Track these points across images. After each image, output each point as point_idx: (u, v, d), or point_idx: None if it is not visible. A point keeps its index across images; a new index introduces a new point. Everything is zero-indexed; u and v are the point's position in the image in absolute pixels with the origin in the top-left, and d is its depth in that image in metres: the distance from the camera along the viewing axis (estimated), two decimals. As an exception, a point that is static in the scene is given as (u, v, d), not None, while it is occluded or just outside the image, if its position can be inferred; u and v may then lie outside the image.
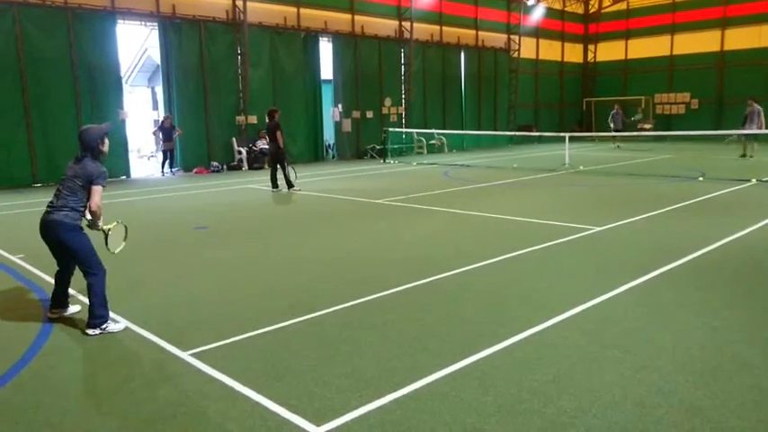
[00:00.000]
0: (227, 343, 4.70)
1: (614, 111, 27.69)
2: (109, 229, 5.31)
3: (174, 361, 4.39)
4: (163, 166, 19.01)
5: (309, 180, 14.39)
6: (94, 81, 17.30)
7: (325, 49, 23.47)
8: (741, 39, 30.46)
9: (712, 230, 8.42)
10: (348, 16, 23.84)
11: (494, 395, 3.72)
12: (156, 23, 19.00)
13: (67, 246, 5.06)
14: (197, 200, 13.22)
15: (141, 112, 26.99)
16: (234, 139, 20.37)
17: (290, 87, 21.93)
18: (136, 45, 25.96)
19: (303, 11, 22.25)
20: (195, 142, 19.65)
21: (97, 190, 5.06)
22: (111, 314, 5.16)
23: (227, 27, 20.25)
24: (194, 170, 19.29)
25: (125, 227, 5.58)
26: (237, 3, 20.21)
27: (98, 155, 5.17)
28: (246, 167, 20.09)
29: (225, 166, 19.92)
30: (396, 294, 5.86)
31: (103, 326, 5.01)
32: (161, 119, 20.05)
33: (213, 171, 19.45)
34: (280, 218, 10.87)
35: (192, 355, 4.46)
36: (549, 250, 7.61)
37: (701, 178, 14.44)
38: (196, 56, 19.47)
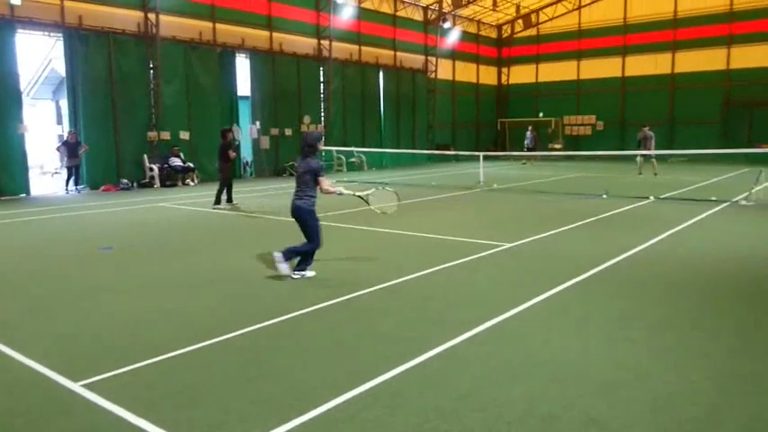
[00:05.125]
0: (127, 371, 4.41)
1: (528, 132, 29.08)
2: (367, 195, 7.64)
3: (65, 393, 4.07)
4: (67, 184, 17.99)
5: (224, 198, 14.02)
6: (-10, 93, 16.22)
7: (243, 65, 23.13)
8: (639, 66, 32.62)
9: (615, 245, 8.83)
10: (266, 33, 23.65)
11: (402, 415, 3.67)
12: (60, 34, 18.08)
13: (303, 222, 7.07)
14: (103, 219, 12.57)
15: (45, 126, 25.53)
16: (145, 156, 19.59)
17: (206, 103, 21.42)
18: (39, 56, 24.61)
19: (219, 26, 21.87)
20: (103, 159, 18.75)
21: (323, 179, 6.98)
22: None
23: (138, 40, 19.56)
24: (102, 188, 18.38)
25: (396, 193, 7.80)
26: (149, 16, 19.58)
27: (316, 151, 6.96)
28: (159, 185, 19.35)
29: (135, 184, 19.11)
30: (312, 313, 5.74)
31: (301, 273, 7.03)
32: (65, 134, 19.01)
33: (122, 189, 18.60)
34: (190, 237, 10.48)
35: (85, 386, 4.15)
36: (463, 267, 7.72)
37: (604, 196, 15.19)
38: (104, 69, 18.65)
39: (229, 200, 14.15)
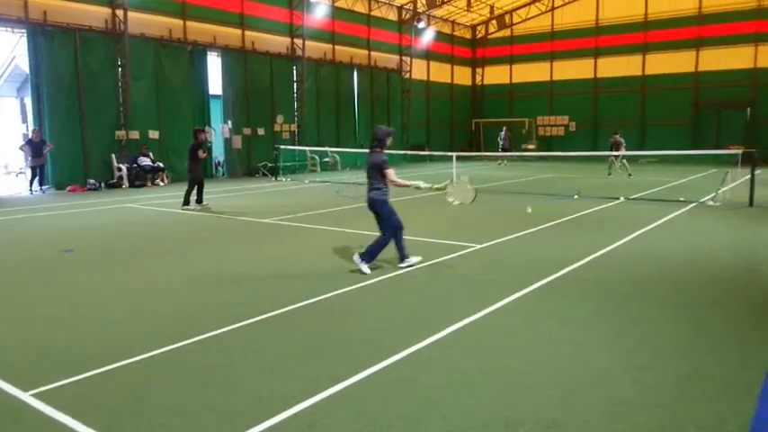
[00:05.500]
0: (82, 378, 4.26)
1: (503, 132, 29.25)
2: (445, 186, 7.97)
3: (15, 403, 3.90)
4: (31, 184, 17.54)
5: (193, 198, 13.80)
6: (-50, 90, 15.73)
7: (214, 63, 22.82)
8: (611, 68, 33.02)
9: (584, 246, 8.86)
10: (238, 31, 23.37)
11: (363, 422, 3.59)
12: (24, 30, 17.62)
13: (377, 213, 7.45)
14: (67, 220, 12.26)
15: (9, 124, 24.86)
16: (113, 156, 19.19)
17: (177, 102, 21.09)
18: (2, 53, 23.96)
19: (190, 24, 21.55)
20: (69, 158, 18.33)
21: (388, 172, 7.21)
22: None
23: (106, 37, 19.16)
24: (68, 188, 17.96)
25: (474, 189, 8.14)
26: (117, 12, 19.19)
27: (383, 146, 7.23)
28: (127, 185, 18.98)
29: (103, 184, 18.71)
30: (275, 317, 5.62)
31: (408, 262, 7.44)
32: (30, 132, 18.52)
33: (90, 189, 18.20)
34: (155, 239, 10.26)
35: (35, 395, 3.99)
36: (432, 268, 7.66)
37: (576, 196, 15.30)
38: (70, 66, 18.23)
39: (199, 201, 13.92)
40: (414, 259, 7.56)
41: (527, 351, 4.77)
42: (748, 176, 13.88)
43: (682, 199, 14.45)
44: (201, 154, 13.78)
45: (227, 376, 4.30)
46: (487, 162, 30.89)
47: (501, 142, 28.95)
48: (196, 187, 13.83)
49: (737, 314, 5.76)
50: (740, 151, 15.85)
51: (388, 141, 7.37)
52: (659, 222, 11.15)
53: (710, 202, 13.82)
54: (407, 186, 7.63)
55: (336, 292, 6.44)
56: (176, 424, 3.59)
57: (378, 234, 7.58)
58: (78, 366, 4.45)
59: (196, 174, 13.84)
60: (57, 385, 4.14)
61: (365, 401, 3.87)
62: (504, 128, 30.19)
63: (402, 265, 7.41)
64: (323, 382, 4.14)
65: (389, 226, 7.40)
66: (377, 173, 7.29)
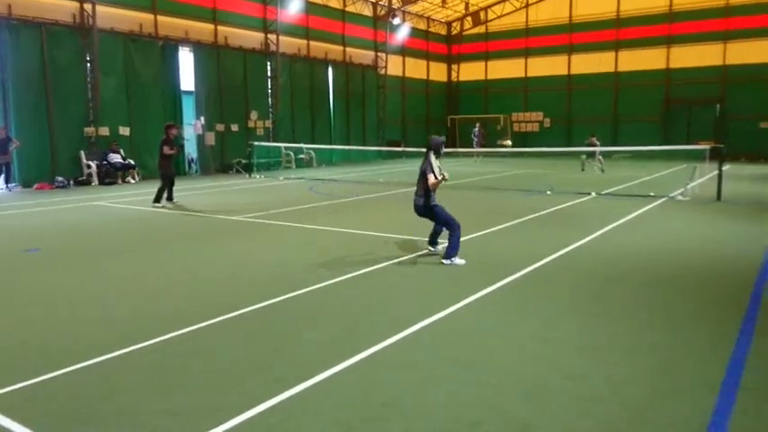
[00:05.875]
0: (35, 383, 4.13)
1: (476, 128, 29.37)
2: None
3: (-39, 410, 3.77)
4: (-3, 182, 17.12)
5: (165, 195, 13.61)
6: None
7: (186, 59, 22.50)
8: (584, 64, 33.31)
9: (555, 241, 8.90)
10: (210, 26, 23.07)
11: (323, 424, 3.53)
12: (-12, 24, 17.17)
13: (431, 216, 7.88)
14: (34, 219, 11.97)
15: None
16: (82, 152, 18.81)
17: (147, 98, 20.74)
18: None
19: (161, 18, 21.20)
20: (36, 155, 17.92)
21: (428, 176, 7.64)
22: None
23: (74, 32, 18.74)
24: (35, 186, 17.56)
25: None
26: (85, 6, 18.79)
27: (433, 153, 7.74)
28: (97, 183, 18.61)
29: (72, 182, 18.32)
30: (237, 318, 5.53)
31: (453, 259, 7.58)
32: (-5, 129, 18.07)
33: (58, 187, 17.81)
34: (124, 238, 10.06)
35: (-16, 401, 3.86)
36: (400, 266, 7.63)
37: (549, 192, 15.39)
38: (37, 61, 17.80)
39: (170, 198, 13.70)
40: (458, 260, 7.60)
41: (493, 349, 4.75)
42: (717, 172, 14.09)
43: (652, 194, 14.62)
44: (167, 150, 13.47)
45: (185, 379, 4.20)
46: (464, 159, 30.94)
47: (475, 138, 29.11)
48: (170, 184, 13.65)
49: (704, 308, 5.81)
50: (708, 147, 16.08)
51: (440, 150, 7.87)
52: (629, 217, 11.26)
53: (680, 197, 14.01)
54: (438, 183, 7.73)
55: (301, 291, 6.36)
56: (128, 428, 3.50)
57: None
58: (30, 371, 4.31)
59: (167, 170, 13.62)
60: (5, 391, 4.00)
61: (326, 403, 3.81)
62: (478, 124, 30.37)
63: (446, 261, 7.60)
64: (284, 383, 4.07)
65: (446, 219, 7.77)
66: (420, 177, 7.79)
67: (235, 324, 5.38)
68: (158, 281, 7.04)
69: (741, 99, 29.27)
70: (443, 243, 7.96)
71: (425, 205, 7.76)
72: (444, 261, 7.56)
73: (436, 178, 7.62)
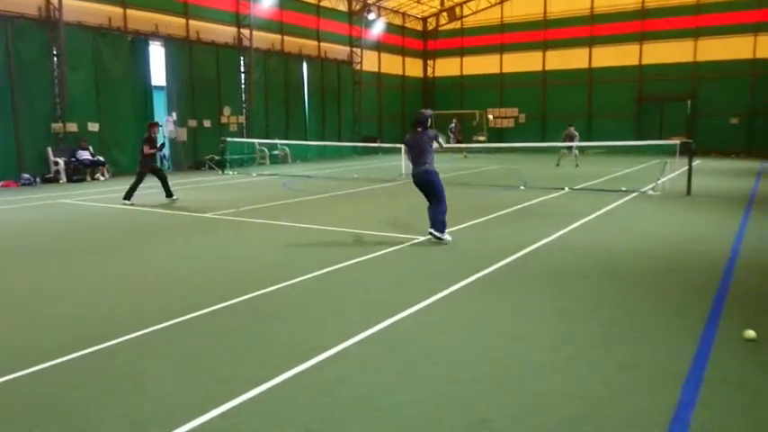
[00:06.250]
0: (-18, 388, 3.96)
1: (452, 124, 29.43)
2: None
3: None
4: (-40, 179, 16.64)
5: (137, 193, 13.29)
6: None
7: (157, 53, 22.11)
8: (559, 60, 33.52)
9: (526, 236, 8.88)
10: (182, 20, 22.70)
11: (280, 427, 3.43)
12: (-51, 17, 16.67)
13: (432, 184, 8.47)
14: (-5, 217, 11.64)
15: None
16: (49, 149, 18.37)
17: (117, 93, 20.33)
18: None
19: (130, 12, 20.79)
20: (1, 152, 17.47)
21: (441, 142, 8.74)
22: None
23: (40, 25, 18.29)
24: (0, 183, 17.10)
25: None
26: (51, -1, 18.35)
27: (429, 126, 8.70)
28: (65, 180, 18.20)
29: (39, 179, 17.89)
30: (198, 318, 5.38)
31: (442, 235, 8.36)
32: (-42, 125, 17.56)
33: (24, 184, 17.38)
34: (87, 237, 9.81)
35: (-74, 407, 3.68)
36: (372, 261, 7.54)
37: (522, 187, 15.43)
38: (1, 55, 17.34)
39: (169, 194, 13.57)
40: (447, 237, 8.42)
41: (457, 345, 4.69)
42: (687, 167, 14.24)
43: (624, 189, 14.73)
44: (148, 150, 13.27)
45: (140, 381, 4.06)
46: (444, 154, 30.85)
47: (451, 135, 29.12)
48: (161, 181, 13.52)
49: (671, 302, 5.82)
50: (678, 142, 16.25)
51: (431, 123, 8.89)
52: (600, 212, 11.31)
53: (651, 192, 14.13)
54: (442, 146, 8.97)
55: (264, 291, 6.21)
56: (79, 434, 3.36)
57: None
58: (-19, 375, 4.14)
59: (145, 168, 13.42)
60: (-47, 396, 3.84)
61: (286, 404, 3.70)
62: (455, 120, 30.40)
63: (438, 236, 8.36)
64: (243, 385, 3.95)
65: (443, 194, 8.50)
66: (430, 146, 8.51)
67: (194, 325, 5.24)
68: (118, 280, 6.85)
69: (712, 95, 29.72)
70: (449, 237, 8.57)
71: (436, 171, 8.52)
72: (436, 233, 8.33)
73: (440, 145, 8.72)
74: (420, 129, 8.58)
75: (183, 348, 4.66)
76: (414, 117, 8.89)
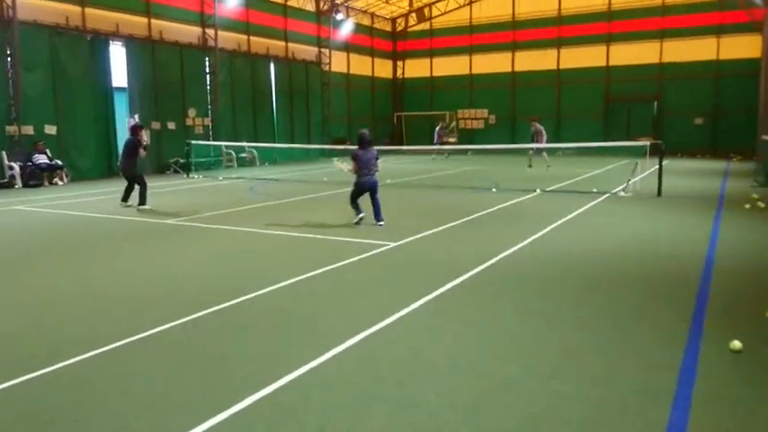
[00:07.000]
0: None
1: (438, 127, 29.61)
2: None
3: None
4: None
5: (96, 199, 12.72)
6: None
7: (118, 53, 21.40)
8: (528, 61, 33.62)
9: (499, 241, 8.65)
10: (144, 19, 22.02)
11: (236, 465, 3.08)
12: None
13: (375, 189, 10.22)
14: (-59, 226, 10.97)
15: None
16: (3, 153, 17.57)
17: (76, 95, 19.58)
18: None
19: (89, 11, 20.07)
20: (-49, 156, 16.63)
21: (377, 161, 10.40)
22: None
23: (-7, 24, 17.50)
24: (-50, 189, 16.30)
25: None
26: (4, -3, 17.56)
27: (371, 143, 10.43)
28: (20, 185, 17.42)
29: (-8, 184, 17.11)
30: (153, 337, 4.98)
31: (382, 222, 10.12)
32: None
33: (-24, 190, 16.58)
34: (40, 246, 9.25)
35: None
36: (342, 270, 7.21)
37: (494, 189, 15.25)
38: (-50, 55, 16.52)
39: (125, 199, 13.06)
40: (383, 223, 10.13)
41: (429, 362, 4.39)
42: (657, 167, 14.22)
43: (595, 190, 14.67)
44: (142, 152, 13.01)
45: (88, 410, 3.67)
46: (412, 156, 30.69)
47: (436, 138, 29.15)
48: (127, 185, 13.07)
49: (649, 308, 5.62)
50: (648, 143, 16.28)
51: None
52: (573, 214, 11.16)
53: (622, 193, 14.08)
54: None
55: (226, 305, 5.82)
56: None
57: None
58: None
59: (134, 170, 13.01)
60: None
61: (249, 431, 3.36)
62: (441, 123, 30.77)
63: (382, 223, 10.06)
64: (200, 412, 3.59)
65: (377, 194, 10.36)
66: (376, 161, 10.24)
67: (148, 345, 4.84)
68: (65, 295, 6.39)
69: (677, 96, 30.10)
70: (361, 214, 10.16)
71: (377, 179, 10.32)
72: (381, 223, 10.05)
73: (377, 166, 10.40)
74: (370, 144, 10.36)
75: (132, 371, 4.26)
76: (360, 136, 10.38)
